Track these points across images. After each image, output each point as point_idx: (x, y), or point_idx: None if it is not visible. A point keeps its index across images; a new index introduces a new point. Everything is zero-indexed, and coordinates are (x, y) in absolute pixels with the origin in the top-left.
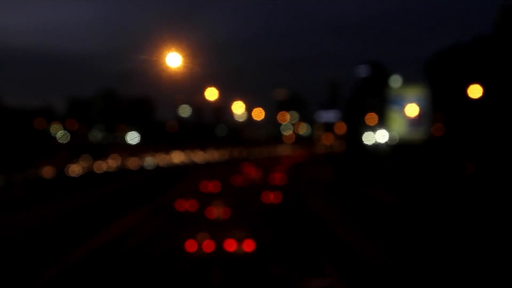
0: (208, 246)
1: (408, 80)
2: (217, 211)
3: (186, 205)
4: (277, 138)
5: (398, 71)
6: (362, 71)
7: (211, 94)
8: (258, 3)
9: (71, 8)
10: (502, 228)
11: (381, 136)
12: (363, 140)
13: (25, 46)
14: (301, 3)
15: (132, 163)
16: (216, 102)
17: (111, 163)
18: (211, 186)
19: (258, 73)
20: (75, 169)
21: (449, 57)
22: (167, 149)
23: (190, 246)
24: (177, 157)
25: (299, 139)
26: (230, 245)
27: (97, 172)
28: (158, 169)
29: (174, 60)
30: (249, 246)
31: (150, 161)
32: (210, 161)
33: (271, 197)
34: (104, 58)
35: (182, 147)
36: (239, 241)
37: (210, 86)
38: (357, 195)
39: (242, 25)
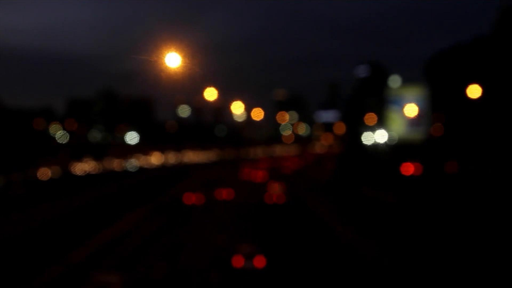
0: (248, 176)
1: (408, 80)
2: None
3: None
4: (277, 138)
5: (397, 71)
6: (362, 71)
7: (211, 94)
8: (258, 3)
9: (71, 8)
10: (504, 228)
11: (380, 136)
12: (363, 140)
13: (25, 46)
14: (301, 3)
15: (117, 165)
16: (215, 102)
17: (87, 165)
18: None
19: (257, 73)
20: (46, 172)
21: (449, 57)
22: (162, 150)
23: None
24: (156, 158)
25: (298, 139)
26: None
27: (77, 174)
28: (142, 171)
29: (173, 60)
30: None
31: (134, 163)
32: (200, 163)
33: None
34: (103, 59)
35: (177, 147)
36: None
37: (210, 86)
38: (357, 195)
39: (242, 25)
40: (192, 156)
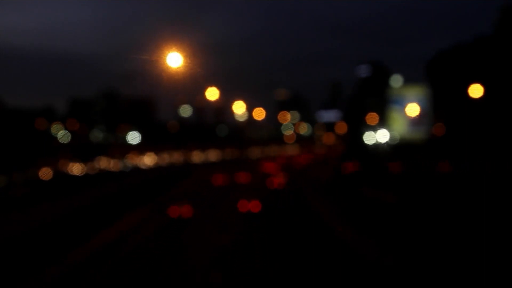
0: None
1: (409, 80)
2: None
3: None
4: (278, 138)
5: (398, 71)
6: (363, 71)
7: (212, 94)
8: (258, 3)
9: (71, 8)
10: (504, 228)
11: (382, 136)
12: (364, 139)
13: (26, 46)
14: (301, 3)
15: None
16: (217, 102)
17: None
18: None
19: (258, 73)
20: (48, 172)
21: (450, 57)
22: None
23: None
24: (150, 159)
25: (300, 139)
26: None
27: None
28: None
29: (174, 60)
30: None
31: (127, 163)
32: (199, 163)
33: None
34: (105, 58)
35: (179, 147)
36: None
37: (211, 86)
38: (356, 195)
39: (242, 25)
40: (193, 156)
